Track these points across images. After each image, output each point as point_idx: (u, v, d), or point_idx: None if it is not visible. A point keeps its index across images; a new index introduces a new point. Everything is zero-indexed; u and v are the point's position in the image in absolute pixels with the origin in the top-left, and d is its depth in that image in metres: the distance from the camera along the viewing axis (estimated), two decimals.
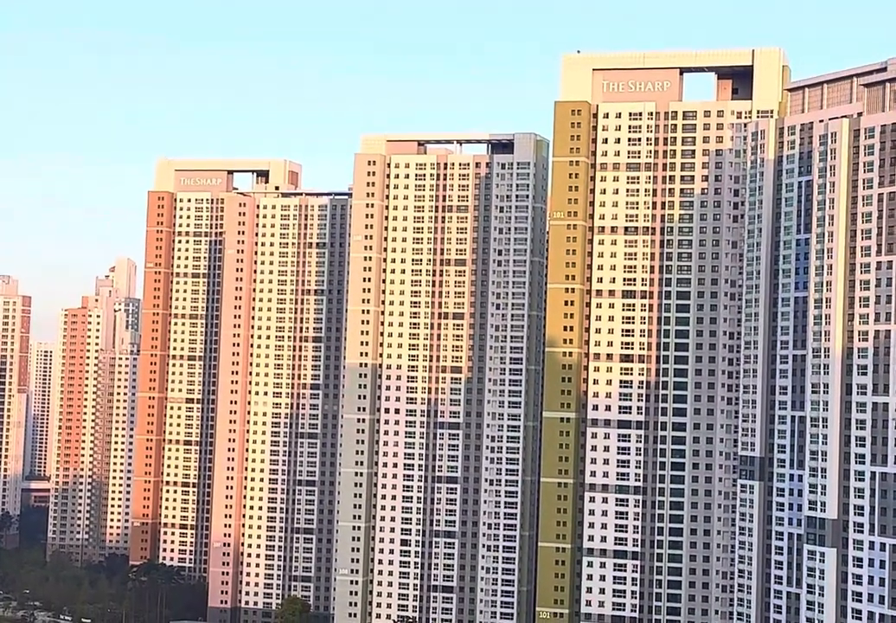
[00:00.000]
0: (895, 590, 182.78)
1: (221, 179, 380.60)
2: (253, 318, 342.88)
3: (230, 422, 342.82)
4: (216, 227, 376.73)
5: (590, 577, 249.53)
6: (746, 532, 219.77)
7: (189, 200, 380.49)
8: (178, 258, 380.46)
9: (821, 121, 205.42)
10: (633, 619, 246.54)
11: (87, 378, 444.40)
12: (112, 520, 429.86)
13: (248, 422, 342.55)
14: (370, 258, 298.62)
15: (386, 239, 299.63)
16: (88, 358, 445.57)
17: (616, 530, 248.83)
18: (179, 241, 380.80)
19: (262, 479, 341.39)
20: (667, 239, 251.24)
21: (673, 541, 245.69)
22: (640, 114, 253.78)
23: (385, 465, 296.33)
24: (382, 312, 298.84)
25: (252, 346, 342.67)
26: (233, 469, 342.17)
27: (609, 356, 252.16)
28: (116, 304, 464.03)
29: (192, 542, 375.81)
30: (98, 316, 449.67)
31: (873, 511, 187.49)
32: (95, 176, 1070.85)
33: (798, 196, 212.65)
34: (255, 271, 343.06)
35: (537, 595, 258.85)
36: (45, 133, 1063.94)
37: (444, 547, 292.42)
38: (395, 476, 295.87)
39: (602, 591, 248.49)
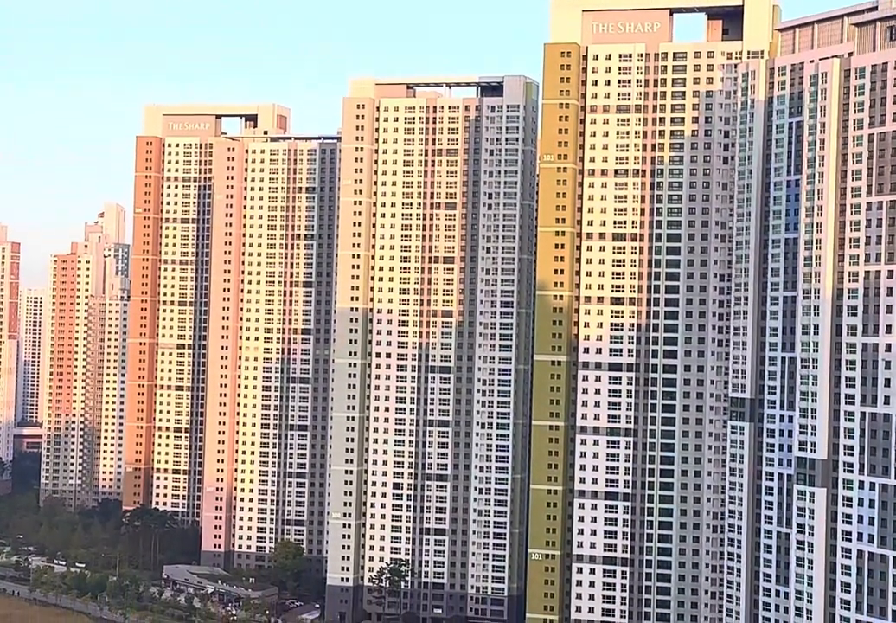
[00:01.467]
0: (884, 529, 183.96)
1: (210, 124, 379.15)
2: (243, 263, 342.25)
3: (221, 367, 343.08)
4: (205, 172, 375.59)
5: (581, 519, 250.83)
6: (737, 473, 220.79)
7: (177, 145, 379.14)
8: (168, 203, 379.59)
9: (811, 61, 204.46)
10: (625, 560, 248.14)
11: (77, 324, 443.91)
12: (105, 465, 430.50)
13: (240, 367, 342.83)
14: (360, 202, 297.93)
15: (376, 183, 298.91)
16: (79, 304, 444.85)
17: (607, 472, 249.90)
18: (168, 187, 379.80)
19: (254, 424, 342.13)
20: (657, 181, 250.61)
21: (664, 482, 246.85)
22: (630, 55, 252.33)
23: (377, 409, 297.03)
24: (373, 257, 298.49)
25: (242, 291, 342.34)
26: (225, 414, 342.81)
27: (600, 299, 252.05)
28: (106, 250, 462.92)
29: (184, 487, 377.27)
30: (88, 262, 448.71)
31: (863, 451, 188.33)
32: (83, 121, 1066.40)
33: (788, 137, 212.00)
34: (244, 216, 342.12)
35: (529, 537, 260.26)
36: (32, 78, 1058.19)
37: (437, 490, 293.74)
38: (386, 420, 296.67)
39: (594, 532, 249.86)
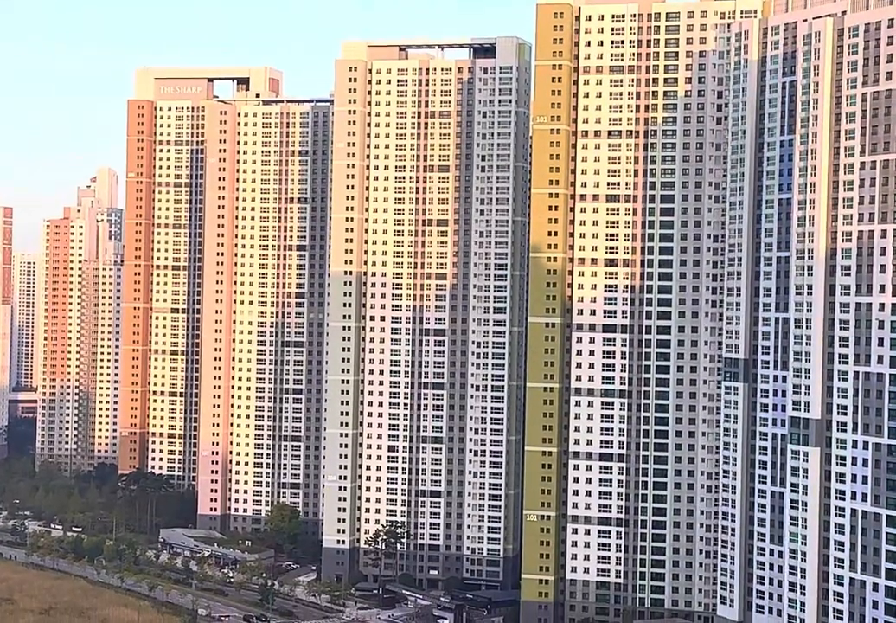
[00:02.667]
0: (877, 487, 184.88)
1: (202, 87, 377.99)
2: (236, 227, 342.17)
3: (216, 331, 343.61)
4: (197, 136, 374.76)
5: (576, 480, 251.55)
6: (731, 433, 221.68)
7: (169, 109, 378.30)
8: (160, 167, 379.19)
9: (804, 20, 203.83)
10: (620, 521, 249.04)
11: (71, 289, 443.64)
12: (100, 430, 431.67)
13: (234, 331, 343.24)
14: (353, 165, 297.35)
15: (369, 146, 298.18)
16: (72, 269, 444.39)
17: (602, 433, 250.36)
18: (161, 151, 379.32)
19: (248, 388, 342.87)
20: (650, 142, 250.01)
21: (658, 443, 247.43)
22: (623, 16, 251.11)
23: (371, 372, 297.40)
24: (367, 220, 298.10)
25: (236, 255, 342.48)
26: (219, 378, 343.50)
27: (593, 261, 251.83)
28: (99, 215, 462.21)
29: (180, 451, 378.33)
30: (81, 226, 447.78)
31: (856, 410, 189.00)
32: (75, 85, 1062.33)
33: (782, 97, 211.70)
34: (237, 180, 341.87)
35: (524, 498, 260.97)
36: (23, 42, 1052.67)
37: (432, 452, 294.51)
38: (381, 383, 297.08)
39: (588, 493, 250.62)
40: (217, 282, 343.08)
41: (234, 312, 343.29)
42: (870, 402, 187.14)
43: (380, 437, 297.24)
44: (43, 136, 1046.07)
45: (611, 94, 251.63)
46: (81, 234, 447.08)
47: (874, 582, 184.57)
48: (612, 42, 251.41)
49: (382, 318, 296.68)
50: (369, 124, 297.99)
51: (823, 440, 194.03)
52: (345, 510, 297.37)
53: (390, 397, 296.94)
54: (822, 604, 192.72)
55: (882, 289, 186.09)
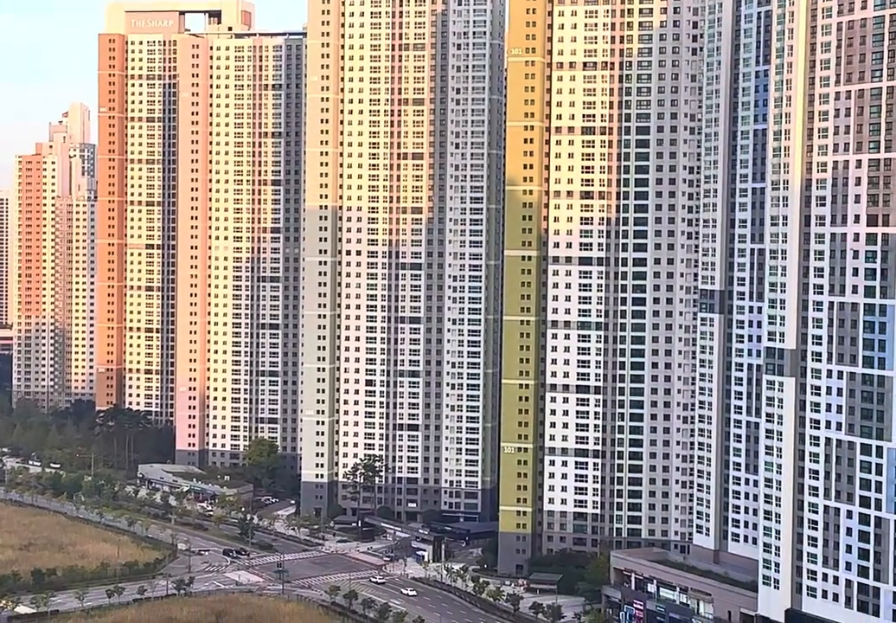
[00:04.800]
0: (851, 416, 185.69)
1: (173, 21, 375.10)
2: (210, 162, 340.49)
3: (191, 267, 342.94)
4: (170, 70, 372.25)
5: (553, 413, 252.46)
6: (707, 364, 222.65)
7: (141, 43, 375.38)
8: (133, 102, 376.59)
9: None
10: (597, 452, 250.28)
11: (44, 225, 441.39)
12: (77, 366, 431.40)
13: (210, 266, 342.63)
14: (327, 99, 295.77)
15: (343, 79, 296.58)
16: (45, 205, 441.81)
17: (578, 366, 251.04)
18: (133, 85, 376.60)
19: (225, 324, 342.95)
20: (626, 73, 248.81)
21: (634, 375, 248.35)
22: None
23: (348, 306, 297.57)
24: (341, 154, 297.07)
25: (211, 190, 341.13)
26: (196, 314, 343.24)
27: (569, 193, 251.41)
28: (71, 150, 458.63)
29: (157, 387, 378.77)
30: (53, 162, 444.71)
31: (831, 340, 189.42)
32: (46, 19, 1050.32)
33: (757, 27, 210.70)
34: (210, 114, 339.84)
35: (502, 431, 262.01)
36: None
37: (409, 386, 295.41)
38: (358, 317, 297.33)
39: (565, 425, 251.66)
40: (192, 217, 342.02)
41: (210, 248, 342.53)
42: (844, 331, 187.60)
43: (357, 371, 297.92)
44: (13, 71, 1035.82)
45: (586, 25, 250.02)
46: (54, 169, 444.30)
47: (848, 509, 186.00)
48: None
49: (358, 253, 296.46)
50: (343, 57, 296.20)
51: (798, 370, 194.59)
52: (323, 444, 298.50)
53: (367, 332, 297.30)
54: (797, 531, 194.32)
55: (857, 219, 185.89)
